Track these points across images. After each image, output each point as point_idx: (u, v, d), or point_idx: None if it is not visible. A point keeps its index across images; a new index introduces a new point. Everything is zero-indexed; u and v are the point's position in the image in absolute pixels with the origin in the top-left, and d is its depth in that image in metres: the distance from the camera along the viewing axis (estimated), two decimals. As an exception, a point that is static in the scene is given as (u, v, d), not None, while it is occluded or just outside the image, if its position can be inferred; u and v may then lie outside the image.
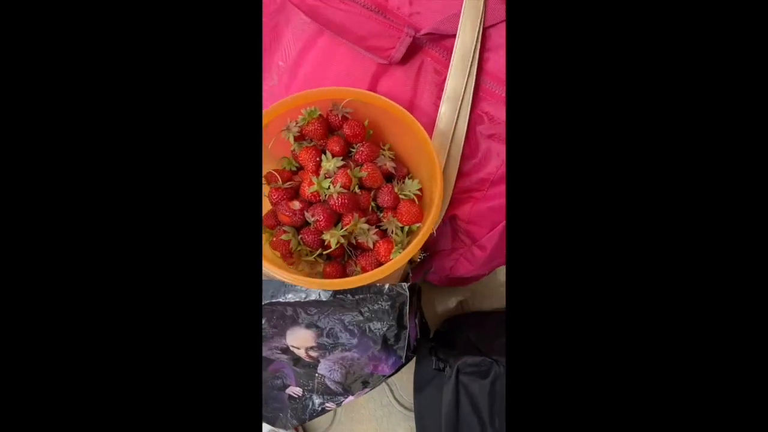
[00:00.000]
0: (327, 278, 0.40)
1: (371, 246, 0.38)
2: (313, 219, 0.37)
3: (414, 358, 0.56)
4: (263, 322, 0.42)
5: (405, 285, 0.38)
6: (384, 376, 0.43)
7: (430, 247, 0.49)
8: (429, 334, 0.61)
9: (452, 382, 0.43)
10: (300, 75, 0.45)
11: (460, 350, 0.48)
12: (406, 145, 0.42)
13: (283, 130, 0.40)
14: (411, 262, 0.46)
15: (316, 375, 0.45)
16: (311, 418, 0.44)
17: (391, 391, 0.66)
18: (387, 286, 0.38)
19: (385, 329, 0.40)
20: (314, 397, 0.44)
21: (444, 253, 0.51)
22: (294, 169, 0.43)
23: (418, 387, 0.54)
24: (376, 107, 0.41)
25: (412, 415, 0.64)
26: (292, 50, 0.45)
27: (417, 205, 0.39)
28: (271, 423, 0.46)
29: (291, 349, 0.44)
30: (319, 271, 0.41)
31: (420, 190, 0.40)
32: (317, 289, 0.36)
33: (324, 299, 0.39)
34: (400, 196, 0.39)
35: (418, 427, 0.54)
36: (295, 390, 0.45)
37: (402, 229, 0.40)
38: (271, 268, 0.35)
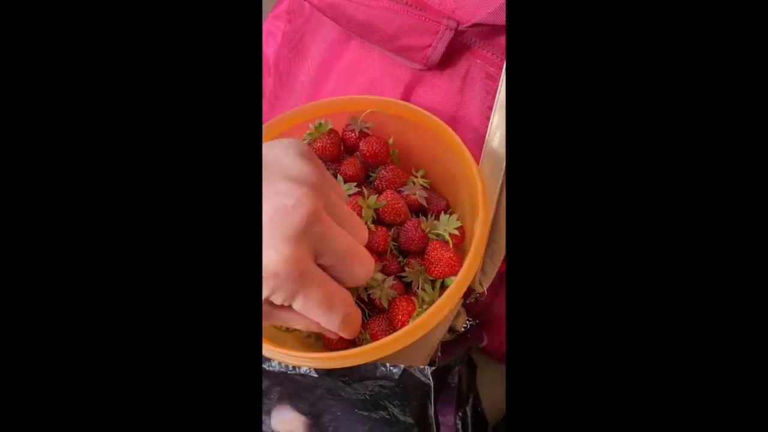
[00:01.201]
0: (325, 344, 0.29)
1: (386, 305, 0.27)
2: (305, 261, 0.27)
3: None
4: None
5: (428, 369, 0.26)
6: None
7: (481, 314, 0.36)
8: (486, 431, 0.45)
9: None
10: (323, 90, 0.38)
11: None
12: (445, 171, 0.32)
13: (289, 150, 0.32)
14: (452, 330, 0.34)
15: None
16: None
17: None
18: (401, 368, 0.26)
19: (400, 430, 0.27)
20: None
21: (503, 321, 0.38)
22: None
23: None
24: (406, 121, 0.31)
25: None
26: (316, 62, 0.39)
27: (452, 249, 0.27)
28: None
29: (281, 436, 0.33)
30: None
31: (460, 229, 0.28)
32: (291, 363, 0.25)
33: (315, 375, 0.28)
34: (430, 236, 0.28)
35: None
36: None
37: (432, 283, 0.28)
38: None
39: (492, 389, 0.52)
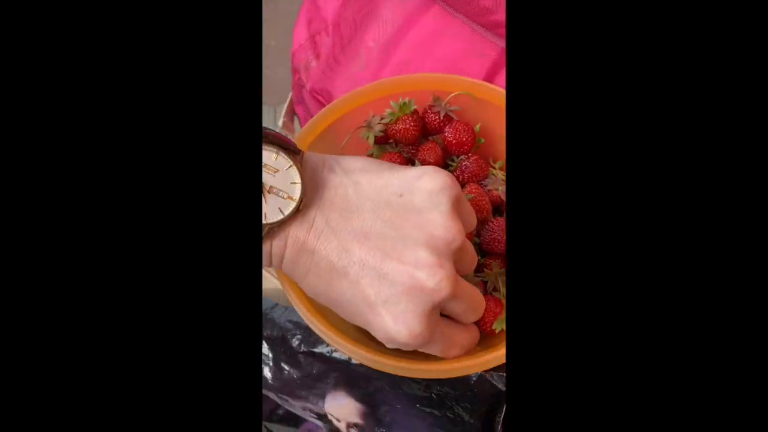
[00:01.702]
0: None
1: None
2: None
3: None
4: (296, 371, 0.31)
5: (505, 377, 0.25)
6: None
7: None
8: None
9: None
10: (394, 59, 0.35)
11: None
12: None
13: (362, 126, 0.29)
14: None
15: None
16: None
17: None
18: (477, 374, 0.25)
19: (465, 431, 0.27)
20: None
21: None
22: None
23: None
24: (492, 106, 0.29)
25: None
26: (388, 27, 0.35)
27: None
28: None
29: (329, 417, 0.33)
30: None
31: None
32: (367, 365, 0.24)
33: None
34: (516, 239, 0.26)
35: None
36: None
37: (511, 286, 0.27)
38: (304, 312, 0.24)
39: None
